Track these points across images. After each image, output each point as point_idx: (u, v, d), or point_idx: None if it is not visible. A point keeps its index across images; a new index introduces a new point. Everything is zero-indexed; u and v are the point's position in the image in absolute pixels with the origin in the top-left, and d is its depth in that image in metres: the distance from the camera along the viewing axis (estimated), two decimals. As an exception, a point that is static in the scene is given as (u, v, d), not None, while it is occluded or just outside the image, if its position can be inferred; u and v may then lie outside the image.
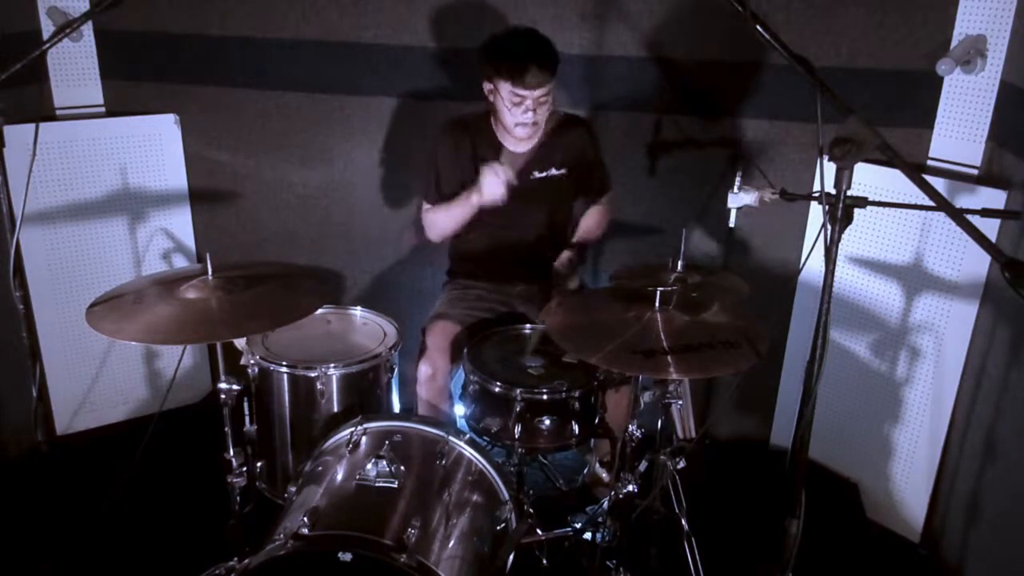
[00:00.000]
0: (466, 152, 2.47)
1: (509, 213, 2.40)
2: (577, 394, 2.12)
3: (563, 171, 2.51)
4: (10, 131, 1.76)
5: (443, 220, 2.51)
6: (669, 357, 1.76)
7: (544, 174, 2.50)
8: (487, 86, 2.37)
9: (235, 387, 2.04)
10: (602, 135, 2.73)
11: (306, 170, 3.12)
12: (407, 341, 2.34)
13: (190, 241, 3.19)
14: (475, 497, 1.88)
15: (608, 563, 2.19)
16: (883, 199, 1.67)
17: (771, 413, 2.99)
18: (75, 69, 2.99)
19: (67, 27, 1.77)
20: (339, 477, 1.81)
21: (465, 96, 2.85)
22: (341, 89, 3.00)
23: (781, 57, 1.47)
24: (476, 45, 2.42)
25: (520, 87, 2.27)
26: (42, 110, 2.89)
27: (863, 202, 1.47)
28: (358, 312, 2.44)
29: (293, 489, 1.88)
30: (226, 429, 2.04)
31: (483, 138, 2.48)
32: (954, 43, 2.39)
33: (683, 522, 2.26)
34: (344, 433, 1.95)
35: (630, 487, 2.08)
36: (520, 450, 2.13)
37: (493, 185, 2.32)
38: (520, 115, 2.32)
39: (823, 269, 1.45)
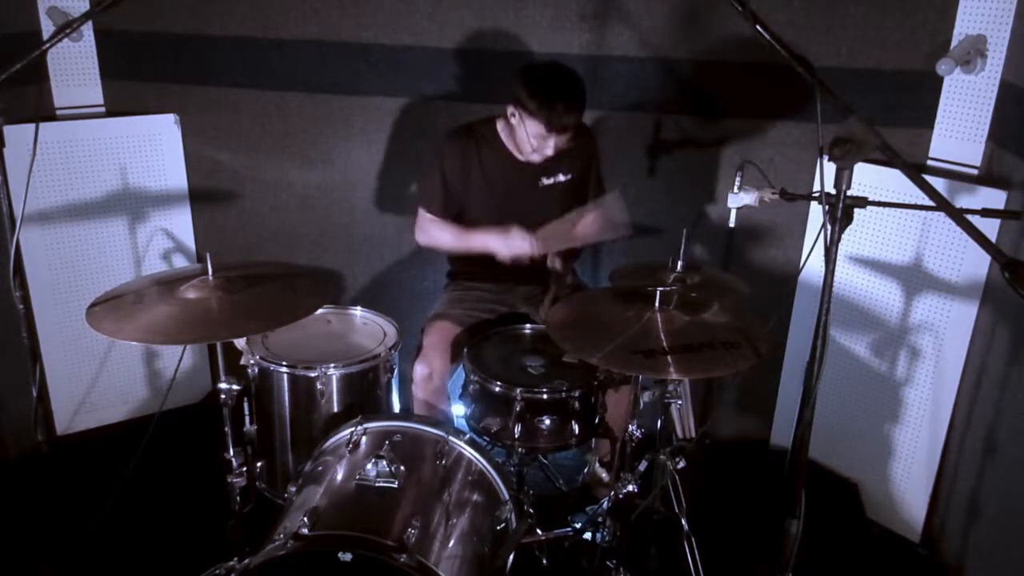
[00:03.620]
0: (472, 161, 2.45)
1: (514, 220, 2.39)
2: (577, 394, 2.12)
3: (570, 176, 2.51)
4: (10, 131, 1.76)
5: (443, 239, 2.51)
6: (669, 357, 1.76)
7: (551, 180, 2.49)
8: (511, 110, 2.32)
9: (235, 387, 2.04)
10: (602, 135, 2.73)
11: (306, 170, 3.12)
12: (407, 341, 2.34)
13: (190, 241, 3.18)
14: (475, 497, 1.88)
15: (608, 563, 2.18)
16: (883, 199, 1.68)
17: (771, 413, 2.98)
18: (75, 69, 2.99)
19: (67, 27, 1.76)
20: (339, 477, 1.81)
21: (466, 96, 2.85)
22: (341, 89, 3.00)
23: (781, 57, 1.47)
24: (476, 46, 2.41)
25: (549, 130, 2.25)
26: (42, 110, 2.88)
27: (863, 202, 1.47)
28: (358, 312, 2.44)
29: (293, 489, 1.88)
30: (226, 429, 2.05)
31: (490, 147, 2.45)
32: (954, 43, 2.39)
33: (683, 522, 2.26)
34: (344, 433, 1.96)
35: (630, 487, 2.08)
36: (520, 450, 2.14)
37: (519, 249, 2.33)
38: (541, 149, 2.31)
39: (823, 269, 1.45)
